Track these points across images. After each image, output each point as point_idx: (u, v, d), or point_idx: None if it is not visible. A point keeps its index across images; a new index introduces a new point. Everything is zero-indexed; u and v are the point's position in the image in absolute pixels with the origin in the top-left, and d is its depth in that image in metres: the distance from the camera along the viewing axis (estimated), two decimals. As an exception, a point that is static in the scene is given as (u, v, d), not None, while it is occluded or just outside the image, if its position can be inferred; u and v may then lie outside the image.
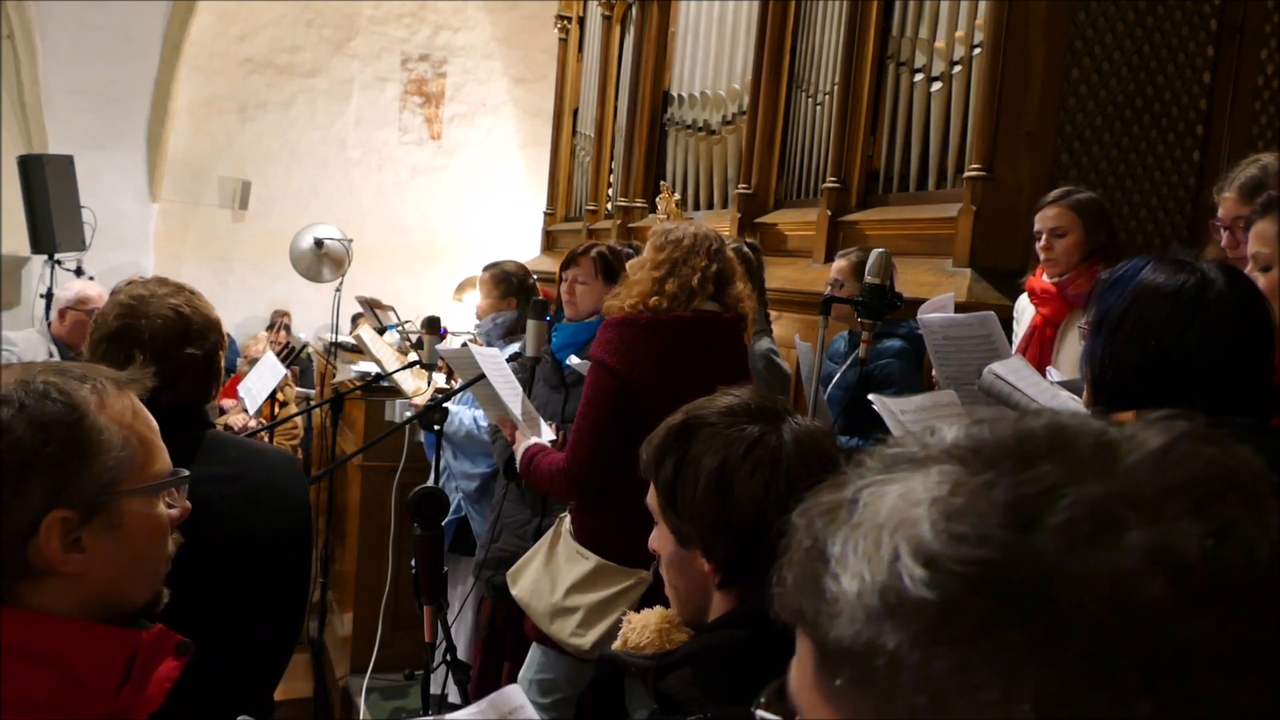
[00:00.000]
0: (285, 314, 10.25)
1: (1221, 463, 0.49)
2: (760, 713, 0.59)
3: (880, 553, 0.48)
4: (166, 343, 1.82)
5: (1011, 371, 2.13)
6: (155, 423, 1.15)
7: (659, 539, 1.42)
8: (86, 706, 1.03)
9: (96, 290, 4.48)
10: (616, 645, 1.47)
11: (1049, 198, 3.00)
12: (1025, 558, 0.45)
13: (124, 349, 1.79)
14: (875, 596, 0.47)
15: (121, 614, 1.10)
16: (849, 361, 3.28)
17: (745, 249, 3.53)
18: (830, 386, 3.21)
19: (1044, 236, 2.96)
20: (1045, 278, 2.98)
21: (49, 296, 6.77)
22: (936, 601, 0.46)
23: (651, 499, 1.42)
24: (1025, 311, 3.12)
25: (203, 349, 1.87)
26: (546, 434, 2.95)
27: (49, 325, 4.55)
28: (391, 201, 10.94)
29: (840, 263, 3.51)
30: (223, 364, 1.98)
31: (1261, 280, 1.74)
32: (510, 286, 3.99)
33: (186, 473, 1.18)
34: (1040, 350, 2.89)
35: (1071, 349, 2.79)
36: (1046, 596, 0.44)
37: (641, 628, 1.44)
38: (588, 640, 2.58)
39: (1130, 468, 0.48)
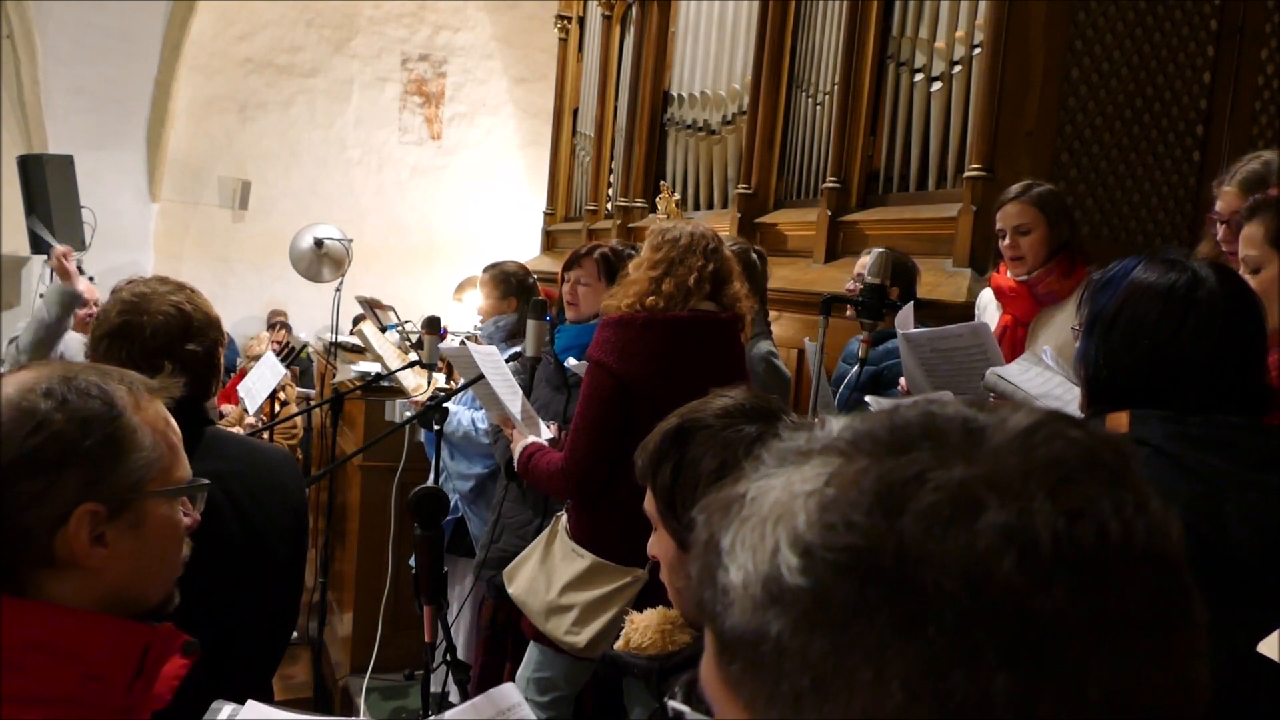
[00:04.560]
0: (282, 313, 10.25)
1: (1083, 444, 0.51)
2: (672, 703, 0.62)
3: (764, 544, 0.50)
4: (168, 339, 1.83)
5: (1021, 372, 2.13)
6: (180, 430, 1.19)
7: (658, 545, 1.41)
8: (103, 700, 1.06)
9: (90, 287, 4.66)
10: (619, 645, 1.47)
11: (1009, 194, 2.95)
12: (888, 542, 0.47)
13: (125, 346, 1.81)
14: (759, 586, 0.50)
15: (134, 614, 1.13)
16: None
17: (752, 254, 3.52)
18: (841, 387, 3.20)
19: (1008, 234, 2.91)
20: (1010, 276, 2.95)
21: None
22: (810, 589, 0.48)
23: (650, 505, 1.41)
24: (988, 308, 3.10)
25: (203, 346, 1.89)
26: (545, 433, 2.95)
27: None
28: (391, 201, 10.93)
29: (864, 258, 3.45)
30: (223, 361, 2.00)
31: (1253, 283, 1.75)
32: (510, 287, 3.98)
33: (207, 481, 1.22)
34: (1012, 350, 2.88)
35: (1043, 347, 2.77)
36: (908, 578, 0.46)
37: (644, 628, 1.44)
38: (583, 638, 2.58)
39: (995, 450, 0.50)
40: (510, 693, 1.51)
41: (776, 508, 0.51)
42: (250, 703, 1.30)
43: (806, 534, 0.49)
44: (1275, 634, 1.22)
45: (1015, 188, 2.96)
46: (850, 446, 0.52)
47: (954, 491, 0.48)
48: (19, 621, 1.04)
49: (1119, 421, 1.47)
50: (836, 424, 0.55)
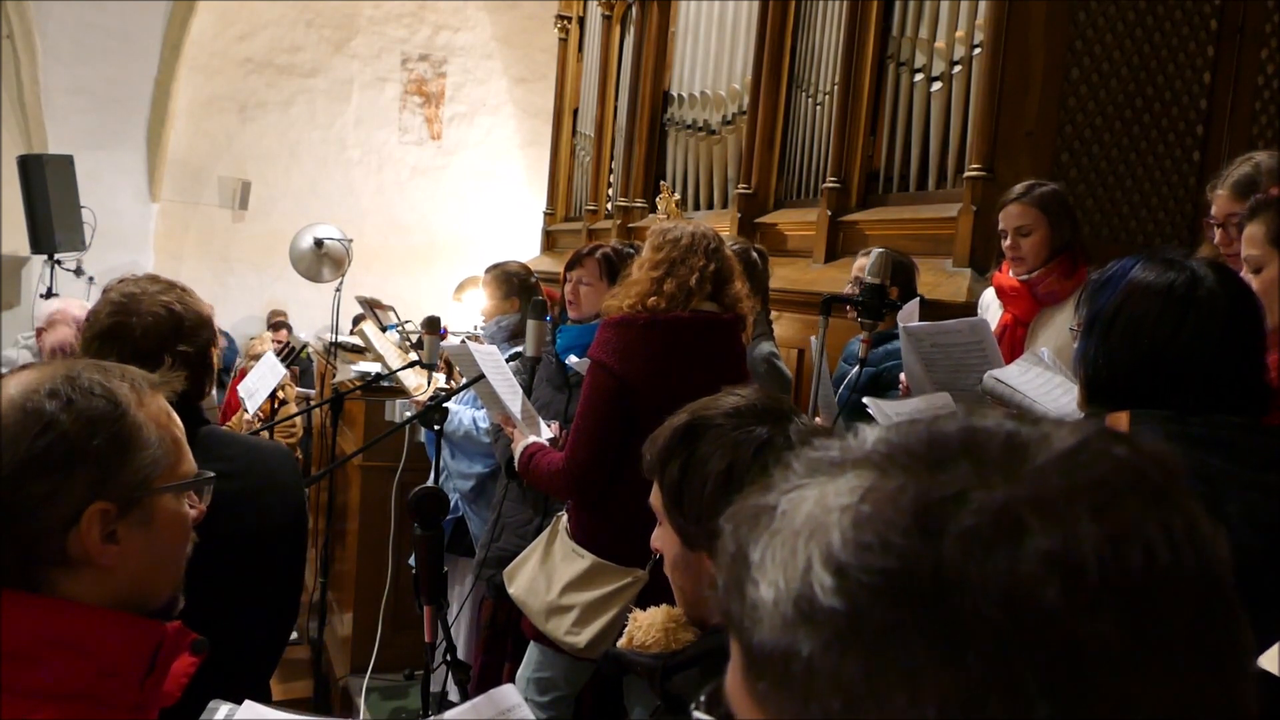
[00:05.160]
0: (282, 313, 10.25)
1: (1130, 463, 0.49)
2: (697, 714, 0.61)
3: (796, 560, 0.49)
4: (159, 340, 1.82)
5: (1020, 373, 2.13)
6: (182, 424, 1.19)
7: (663, 539, 1.41)
8: (117, 696, 1.06)
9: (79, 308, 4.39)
10: (622, 643, 1.47)
11: (1011, 194, 2.95)
12: (926, 564, 0.46)
13: (115, 346, 1.79)
14: (790, 604, 0.48)
15: (145, 610, 1.13)
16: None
17: (753, 254, 3.52)
18: (841, 387, 3.20)
19: (1009, 235, 2.91)
20: (1012, 275, 2.95)
21: (49, 297, 6.78)
22: (844, 610, 0.47)
23: (655, 499, 1.41)
24: (990, 306, 3.10)
25: (195, 345, 1.87)
26: (545, 433, 2.96)
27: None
28: (391, 201, 10.94)
29: (861, 260, 3.46)
30: (216, 360, 1.98)
31: (1255, 282, 1.75)
32: (512, 287, 3.99)
33: (212, 474, 1.22)
34: (1011, 349, 2.87)
35: (1042, 347, 2.78)
36: (946, 603, 0.45)
37: (648, 626, 1.43)
38: (583, 638, 2.58)
39: (1038, 469, 0.48)
40: (510, 694, 1.51)
41: (809, 522, 0.49)
42: (247, 703, 1.30)
43: (841, 553, 0.47)
44: (1276, 647, 1.22)
45: (1018, 188, 2.96)
46: (886, 460, 0.50)
47: (996, 513, 0.46)
48: (35, 618, 1.04)
49: (1119, 422, 1.47)
50: (870, 434, 0.53)
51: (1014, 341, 2.91)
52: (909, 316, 3.00)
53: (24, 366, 1.15)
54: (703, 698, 0.61)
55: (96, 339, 1.83)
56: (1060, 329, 2.80)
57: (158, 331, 1.83)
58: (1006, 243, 2.93)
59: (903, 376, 2.80)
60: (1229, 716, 0.48)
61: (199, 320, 1.90)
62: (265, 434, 5.10)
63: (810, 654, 0.47)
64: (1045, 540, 0.45)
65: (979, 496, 0.47)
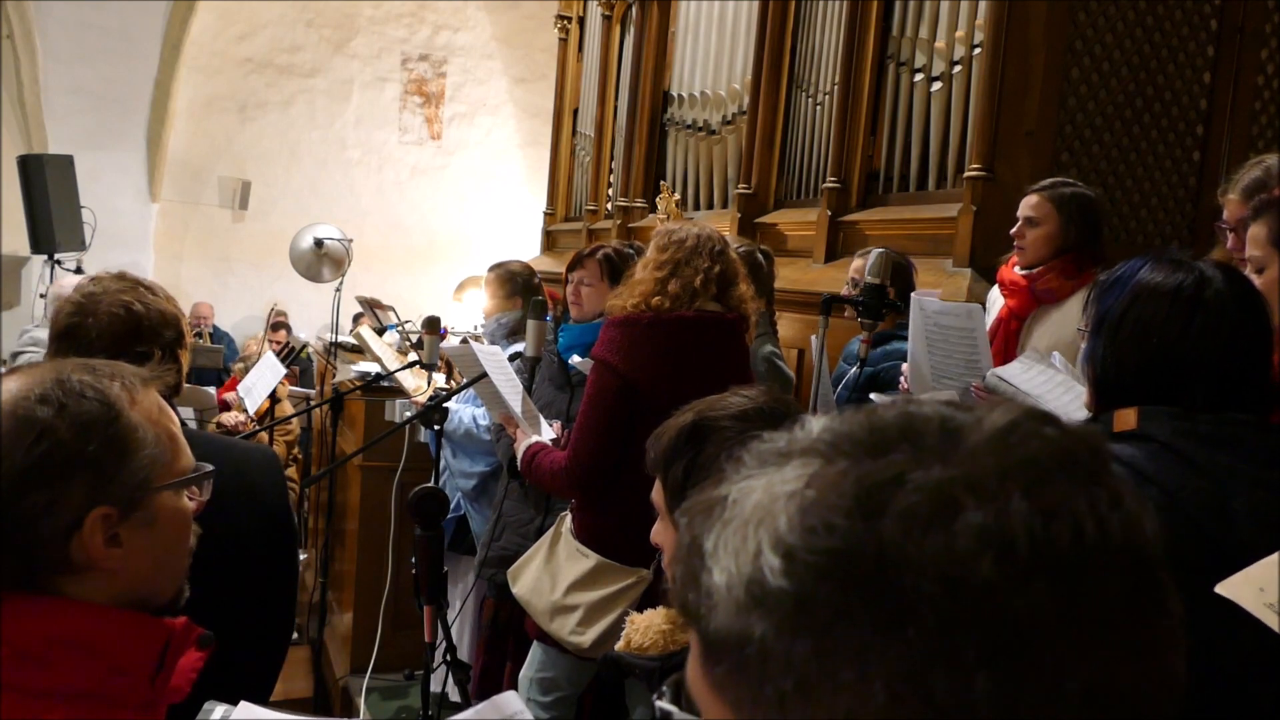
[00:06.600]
0: (282, 314, 10.24)
1: (1059, 442, 0.51)
2: (659, 703, 0.62)
3: (746, 547, 0.51)
4: (115, 340, 1.77)
5: (1022, 371, 2.13)
6: (176, 418, 1.18)
7: (664, 536, 1.41)
8: (127, 694, 1.06)
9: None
10: (620, 646, 1.47)
11: (1038, 185, 2.94)
12: (868, 545, 0.48)
13: (73, 349, 1.75)
14: (742, 589, 0.50)
15: (150, 608, 1.12)
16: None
17: (758, 255, 3.52)
18: (839, 387, 3.20)
19: (1020, 222, 2.91)
20: (1015, 268, 2.95)
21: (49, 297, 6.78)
22: (792, 591, 0.49)
23: (657, 496, 1.41)
24: (997, 301, 3.10)
25: (157, 345, 1.82)
26: (547, 432, 2.96)
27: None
28: (391, 201, 10.93)
29: (858, 261, 3.46)
30: (186, 360, 1.92)
31: (1257, 282, 1.75)
32: (514, 286, 3.99)
33: (211, 468, 1.20)
34: (1005, 344, 2.87)
35: (1037, 344, 2.78)
36: (888, 580, 0.47)
37: (645, 628, 1.43)
38: (587, 638, 2.58)
39: (971, 450, 0.50)
40: (512, 700, 1.51)
41: (758, 510, 0.51)
42: (242, 704, 1.29)
43: (788, 536, 0.49)
44: (1239, 574, 1.22)
45: (1048, 180, 2.95)
46: (829, 448, 0.52)
47: (932, 493, 0.48)
48: (43, 619, 1.04)
49: (1126, 417, 1.48)
50: (816, 425, 0.55)
51: (1008, 336, 2.91)
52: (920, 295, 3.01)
53: (13, 370, 1.13)
54: (665, 688, 0.63)
55: (55, 340, 1.80)
56: (1056, 328, 2.80)
57: (113, 333, 1.78)
58: (1014, 230, 2.93)
59: (903, 377, 2.81)
60: (1158, 682, 0.50)
61: (161, 320, 1.84)
62: (264, 435, 5.10)
63: (763, 636, 0.49)
64: (978, 516, 0.47)
65: (916, 478, 0.49)
